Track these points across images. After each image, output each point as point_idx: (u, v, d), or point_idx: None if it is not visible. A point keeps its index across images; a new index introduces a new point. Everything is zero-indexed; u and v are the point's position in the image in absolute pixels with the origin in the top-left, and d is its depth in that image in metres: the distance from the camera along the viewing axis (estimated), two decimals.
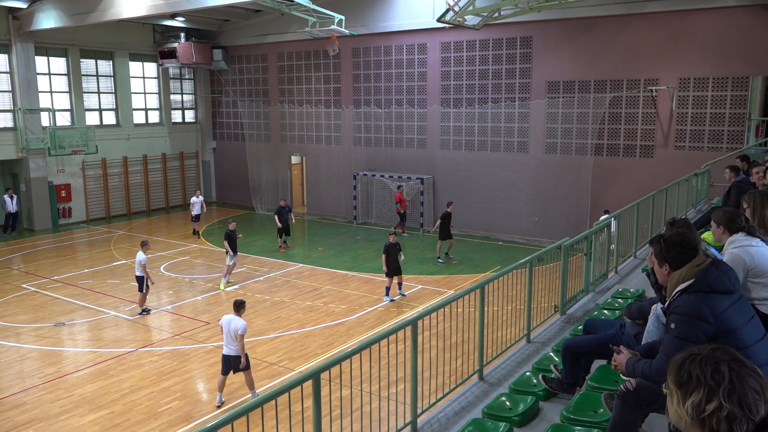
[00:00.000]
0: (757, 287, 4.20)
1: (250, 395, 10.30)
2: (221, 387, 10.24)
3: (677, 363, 1.98)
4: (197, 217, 22.76)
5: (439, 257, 19.12)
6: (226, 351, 10.04)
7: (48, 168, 24.83)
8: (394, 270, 15.36)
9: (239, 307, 10.12)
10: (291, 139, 27.63)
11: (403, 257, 15.89)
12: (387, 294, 15.59)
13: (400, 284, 15.86)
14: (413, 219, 23.51)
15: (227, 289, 16.39)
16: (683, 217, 10.86)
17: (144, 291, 14.52)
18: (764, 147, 15.78)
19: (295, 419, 4.41)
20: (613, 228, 9.25)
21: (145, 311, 14.66)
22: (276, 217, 20.51)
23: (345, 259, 19.71)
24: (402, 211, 22.58)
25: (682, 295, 3.53)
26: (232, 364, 10.00)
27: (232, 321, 9.95)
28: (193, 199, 22.71)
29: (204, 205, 23.11)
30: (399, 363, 5.66)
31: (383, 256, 15.34)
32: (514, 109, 21.64)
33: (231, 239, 16.39)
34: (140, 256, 14.48)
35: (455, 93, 22.85)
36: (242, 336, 9.86)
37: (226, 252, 16.50)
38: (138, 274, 14.44)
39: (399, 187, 22.84)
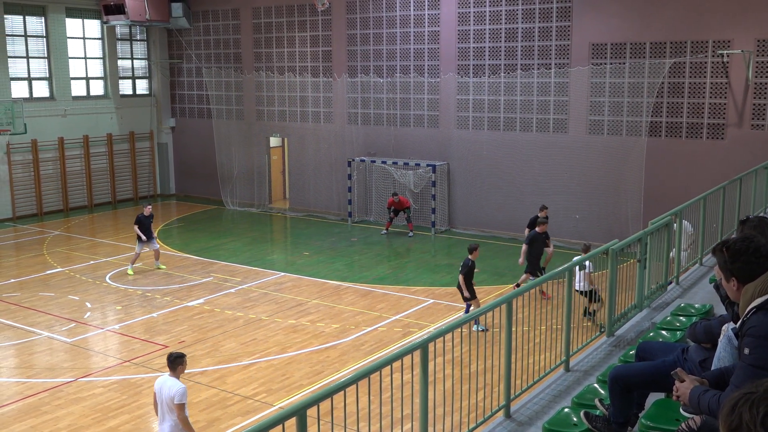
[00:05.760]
0: None
1: None
2: None
3: (731, 402, 1.95)
4: None
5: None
6: (160, 429, 8.77)
7: None
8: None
9: (175, 363, 8.72)
10: (269, 115, 27.65)
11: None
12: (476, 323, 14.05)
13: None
14: (424, 217, 23.52)
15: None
16: (761, 214, 10.89)
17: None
18: None
19: None
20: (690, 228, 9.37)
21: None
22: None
23: (337, 266, 19.73)
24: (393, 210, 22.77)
25: (757, 312, 3.55)
26: None
27: (164, 385, 8.65)
28: None
29: None
30: (405, 397, 5.69)
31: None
32: (549, 79, 21.63)
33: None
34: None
35: (476, 58, 22.84)
36: (181, 406, 8.42)
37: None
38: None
39: (395, 194, 22.75)
